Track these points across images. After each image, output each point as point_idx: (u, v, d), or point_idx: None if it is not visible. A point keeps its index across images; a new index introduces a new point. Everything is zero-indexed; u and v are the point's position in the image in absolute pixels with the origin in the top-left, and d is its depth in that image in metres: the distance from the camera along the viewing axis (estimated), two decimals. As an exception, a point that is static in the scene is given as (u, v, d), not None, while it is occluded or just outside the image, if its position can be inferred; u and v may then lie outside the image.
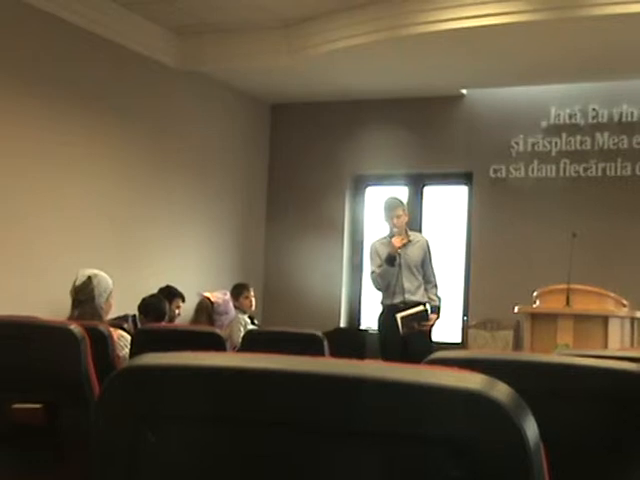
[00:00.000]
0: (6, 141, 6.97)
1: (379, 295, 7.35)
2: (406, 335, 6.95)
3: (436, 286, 7.31)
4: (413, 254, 7.22)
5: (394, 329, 6.98)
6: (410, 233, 7.39)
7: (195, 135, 9.08)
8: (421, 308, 7.05)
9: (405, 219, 7.30)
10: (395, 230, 7.22)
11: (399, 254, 7.14)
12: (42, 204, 7.24)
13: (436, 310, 7.21)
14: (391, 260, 7.11)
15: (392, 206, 7.29)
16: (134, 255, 8.19)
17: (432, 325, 7.17)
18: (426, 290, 7.24)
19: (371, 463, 0.87)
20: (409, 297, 7.12)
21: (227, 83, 9.36)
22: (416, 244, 7.28)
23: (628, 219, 8.60)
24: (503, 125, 9.16)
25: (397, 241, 7.15)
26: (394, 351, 6.94)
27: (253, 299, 8.35)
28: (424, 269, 7.26)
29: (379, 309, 7.39)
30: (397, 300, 7.12)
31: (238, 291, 8.31)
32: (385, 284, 7.18)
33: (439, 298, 7.30)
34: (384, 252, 7.18)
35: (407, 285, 7.14)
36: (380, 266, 7.17)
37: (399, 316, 6.96)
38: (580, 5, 6.90)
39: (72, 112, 7.57)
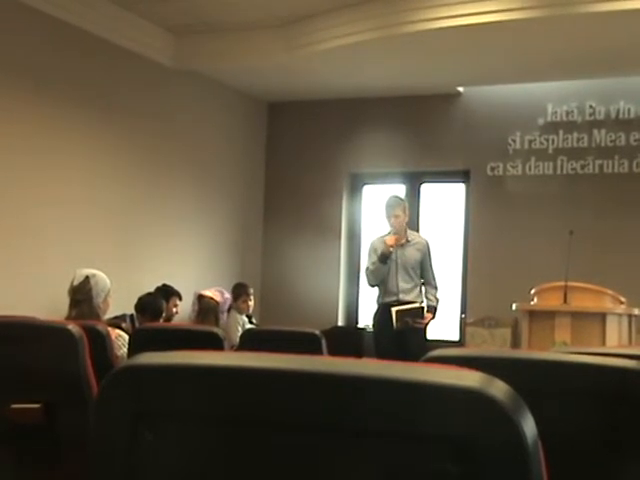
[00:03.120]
0: (5, 139, 6.96)
1: (375, 293, 7.38)
2: (399, 330, 6.96)
3: (436, 288, 7.32)
4: (410, 254, 7.23)
5: (388, 326, 7.01)
6: (410, 233, 7.39)
7: (192, 134, 9.07)
8: (417, 305, 7.08)
9: (404, 219, 7.29)
10: (392, 230, 7.23)
11: (391, 252, 7.14)
12: (39, 204, 7.23)
13: (432, 310, 7.23)
14: (384, 258, 7.12)
15: (392, 205, 7.30)
16: (132, 255, 8.19)
17: (426, 324, 7.18)
18: (426, 291, 7.26)
19: (370, 461, 0.87)
20: (403, 297, 7.14)
21: (224, 82, 9.36)
22: (414, 245, 7.29)
23: (625, 216, 8.60)
24: (500, 122, 9.16)
25: (390, 240, 7.17)
26: (388, 348, 6.96)
27: (251, 303, 8.34)
28: (424, 271, 7.27)
29: (375, 307, 7.41)
30: (391, 299, 7.15)
31: (238, 293, 8.29)
32: (377, 281, 7.22)
33: (437, 300, 7.30)
34: (381, 249, 7.20)
35: (402, 285, 7.16)
36: (374, 263, 7.20)
37: (394, 310, 6.99)
38: (576, 2, 6.89)
39: (69, 111, 7.56)
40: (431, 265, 7.33)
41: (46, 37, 7.32)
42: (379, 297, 7.29)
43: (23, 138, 7.13)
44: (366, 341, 8.88)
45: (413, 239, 7.35)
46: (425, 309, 7.15)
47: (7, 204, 6.96)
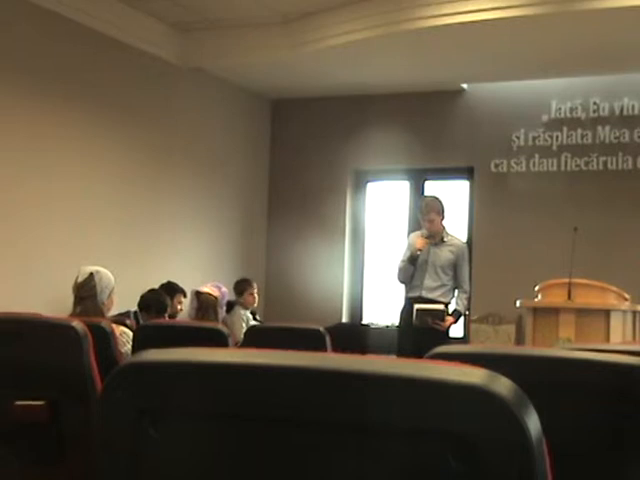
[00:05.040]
0: (9, 136, 6.97)
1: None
2: (417, 326, 6.94)
3: (466, 292, 7.27)
4: (442, 255, 7.17)
5: (410, 322, 7.01)
6: (447, 234, 7.28)
7: (196, 131, 9.08)
8: (441, 307, 7.02)
9: (440, 222, 7.21)
10: (424, 232, 7.20)
11: (418, 255, 7.11)
12: (44, 200, 7.24)
13: (456, 314, 7.19)
14: (412, 260, 7.13)
15: (426, 209, 7.24)
16: (136, 251, 8.20)
17: (448, 327, 7.13)
18: (457, 295, 7.23)
19: (374, 457, 0.87)
20: (426, 294, 7.10)
21: (228, 79, 9.36)
22: (449, 247, 7.21)
23: (630, 213, 8.59)
24: (504, 119, 9.15)
25: (419, 242, 7.13)
26: (407, 344, 6.95)
27: (256, 295, 8.34)
28: (457, 274, 7.19)
29: (402, 302, 7.40)
30: (415, 294, 7.14)
31: (242, 287, 8.28)
32: (404, 278, 7.21)
33: (465, 305, 7.27)
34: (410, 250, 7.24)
35: (428, 282, 7.13)
36: (404, 262, 7.20)
37: (416, 307, 6.98)
38: (581, -1, 6.90)
39: (74, 108, 7.57)
40: (465, 268, 7.26)
41: (48, 33, 7.32)
42: (406, 291, 7.30)
43: (27, 135, 7.13)
44: (371, 338, 8.89)
45: (449, 240, 7.26)
46: (447, 312, 7.10)
47: (11, 201, 6.96)
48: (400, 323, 7.35)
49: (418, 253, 7.12)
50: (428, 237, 7.17)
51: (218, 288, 7.81)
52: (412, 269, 7.15)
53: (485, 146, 9.21)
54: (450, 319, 7.11)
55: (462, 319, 7.56)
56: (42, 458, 2.80)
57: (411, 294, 7.21)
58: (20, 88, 7.10)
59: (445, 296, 7.17)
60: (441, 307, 7.03)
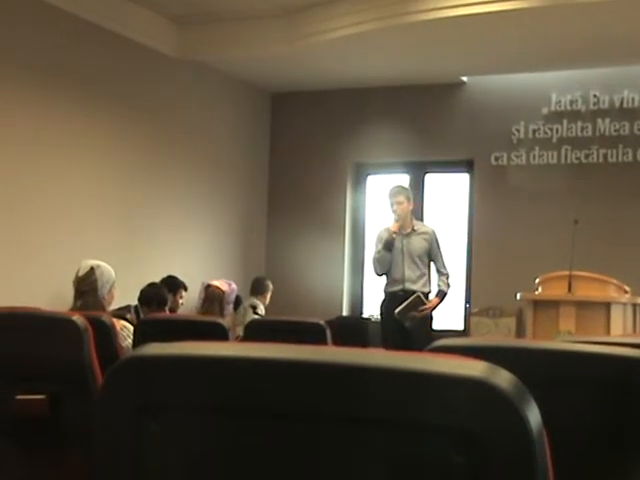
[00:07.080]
0: (8, 129, 6.97)
1: (381, 282, 7.40)
2: (411, 326, 6.97)
3: (447, 275, 7.32)
4: (416, 243, 7.23)
5: (393, 317, 7.03)
6: (416, 223, 7.41)
7: (196, 124, 9.07)
8: (414, 297, 7.05)
9: (408, 207, 7.30)
10: (395, 217, 7.25)
11: (394, 238, 7.17)
12: (44, 194, 7.24)
13: (441, 295, 7.23)
14: (387, 245, 7.16)
15: (393, 193, 7.33)
16: (136, 246, 8.20)
17: (433, 308, 7.17)
18: (437, 279, 7.29)
19: (374, 451, 0.87)
20: (409, 286, 7.14)
21: (228, 72, 9.35)
22: (421, 235, 7.29)
23: (630, 205, 8.59)
24: (504, 112, 9.14)
25: (394, 226, 7.22)
26: (393, 339, 6.98)
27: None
28: (434, 260, 7.29)
29: (382, 296, 7.41)
30: (397, 288, 7.16)
31: (264, 287, 8.50)
32: (383, 269, 7.24)
33: (448, 285, 7.30)
34: (385, 237, 7.26)
35: (408, 273, 7.17)
36: (380, 251, 7.23)
37: (396, 312, 7.01)
38: (580, -9, 6.88)
39: (74, 102, 7.56)
40: (440, 253, 7.34)
41: (48, 27, 7.31)
42: (385, 286, 7.31)
43: (27, 131, 7.13)
44: (371, 331, 8.89)
45: (419, 228, 7.36)
46: (423, 296, 7.12)
47: (12, 195, 6.96)
48: (381, 318, 7.37)
49: (393, 236, 7.16)
50: (398, 222, 7.23)
51: (229, 284, 7.89)
52: (389, 256, 7.18)
53: (485, 139, 9.21)
54: (435, 300, 7.19)
55: (447, 298, 7.57)
56: (43, 452, 2.81)
57: (391, 288, 7.22)
58: (20, 83, 7.10)
59: (426, 286, 7.22)
60: (414, 296, 7.06)
